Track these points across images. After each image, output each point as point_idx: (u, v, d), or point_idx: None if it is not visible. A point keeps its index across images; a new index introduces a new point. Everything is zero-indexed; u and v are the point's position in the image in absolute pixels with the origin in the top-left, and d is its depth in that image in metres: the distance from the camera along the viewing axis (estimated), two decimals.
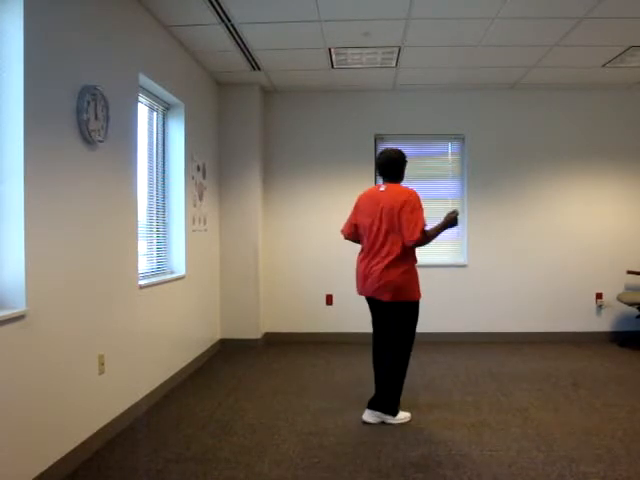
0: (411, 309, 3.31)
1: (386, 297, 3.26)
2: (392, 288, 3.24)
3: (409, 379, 4.22)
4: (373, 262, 3.32)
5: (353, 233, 3.54)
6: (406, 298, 3.26)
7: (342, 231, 3.62)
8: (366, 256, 3.39)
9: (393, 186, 3.39)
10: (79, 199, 2.85)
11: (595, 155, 5.69)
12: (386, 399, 3.32)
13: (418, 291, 3.33)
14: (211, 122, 5.28)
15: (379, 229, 3.31)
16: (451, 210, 3.30)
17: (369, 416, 3.34)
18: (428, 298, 5.57)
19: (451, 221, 3.26)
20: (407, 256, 3.28)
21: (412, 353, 3.38)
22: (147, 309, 3.69)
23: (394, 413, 3.33)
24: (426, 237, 3.20)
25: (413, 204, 3.22)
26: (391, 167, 3.41)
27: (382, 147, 5.78)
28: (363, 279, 3.39)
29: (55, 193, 2.63)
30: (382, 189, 3.40)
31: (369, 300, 3.48)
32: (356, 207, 3.54)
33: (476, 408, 3.58)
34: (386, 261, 3.25)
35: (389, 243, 3.27)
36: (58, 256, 2.66)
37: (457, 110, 5.75)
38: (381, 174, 3.48)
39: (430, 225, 3.27)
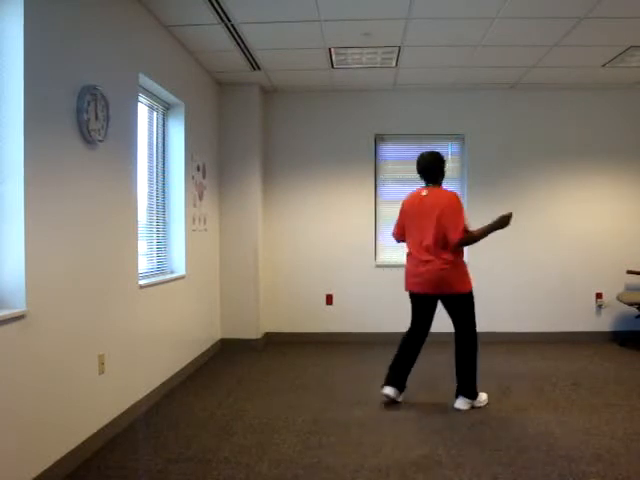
0: (466, 299, 3.56)
1: (445, 291, 3.52)
2: (447, 283, 3.50)
3: (409, 378, 4.22)
4: (424, 261, 3.55)
5: (402, 234, 3.82)
6: (459, 290, 3.52)
7: (393, 234, 3.93)
8: (415, 256, 3.63)
9: (434, 190, 3.64)
10: (79, 199, 2.85)
11: (595, 155, 5.69)
12: (464, 384, 3.58)
13: (468, 282, 3.56)
14: (211, 122, 5.28)
15: (426, 231, 3.54)
16: (507, 213, 3.45)
17: (460, 404, 3.59)
18: None
19: (503, 222, 3.44)
20: (454, 254, 3.50)
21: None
22: (147, 309, 3.69)
23: (475, 396, 3.58)
24: (470, 237, 3.47)
25: (454, 207, 3.49)
26: (428, 171, 3.67)
27: (382, 147, 5.82)
28: (413, 277, 3.63)
29: (55, 193, 2.63)
30: (424, 193, 3.64)
31: (417, 296, 3.66)
32: (402, 211, 3.80)
33: (476, 408, 3.58)
34: (439, 261, 3.49)
35: (439, 244, 3.50)
36: (58, 256, 2.66)
37: (457, 110, 5.75)
38: (422, 179, 3.72)
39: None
